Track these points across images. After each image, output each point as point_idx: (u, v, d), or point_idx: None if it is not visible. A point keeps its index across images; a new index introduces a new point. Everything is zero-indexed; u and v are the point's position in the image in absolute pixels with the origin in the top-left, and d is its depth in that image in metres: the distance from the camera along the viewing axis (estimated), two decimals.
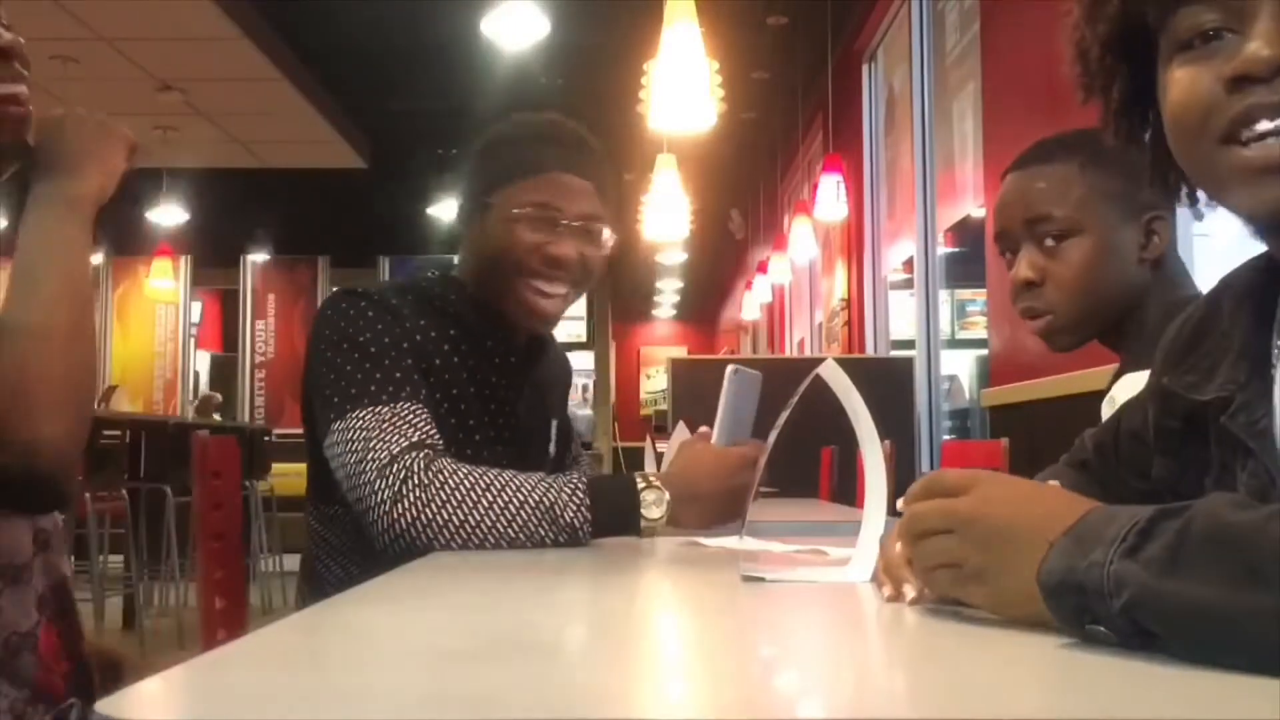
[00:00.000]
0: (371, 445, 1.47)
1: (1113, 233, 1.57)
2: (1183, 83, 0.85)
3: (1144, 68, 0.89)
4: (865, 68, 7.16)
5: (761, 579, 1.13)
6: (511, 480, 1.48)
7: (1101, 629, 0.70)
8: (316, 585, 1.67)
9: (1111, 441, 1.16)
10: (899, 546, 0.95)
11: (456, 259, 1.80)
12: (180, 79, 8.05)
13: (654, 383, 16.03)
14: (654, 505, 1.51)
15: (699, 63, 3.60)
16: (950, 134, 5.27)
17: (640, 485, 1.52)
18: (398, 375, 1.54)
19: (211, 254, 12.22)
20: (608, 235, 1.73)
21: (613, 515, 1.50)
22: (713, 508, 1.56)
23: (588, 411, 13.69)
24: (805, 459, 3.93)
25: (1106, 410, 1.42)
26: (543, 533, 1.47)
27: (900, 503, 0.90)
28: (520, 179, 1.68)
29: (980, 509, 0.81)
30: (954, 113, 5.19)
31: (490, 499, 1.45)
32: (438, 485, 1.45)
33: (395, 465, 1.46)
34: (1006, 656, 0.77)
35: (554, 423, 1.86)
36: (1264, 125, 0.80)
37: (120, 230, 10.63)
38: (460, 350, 1.65)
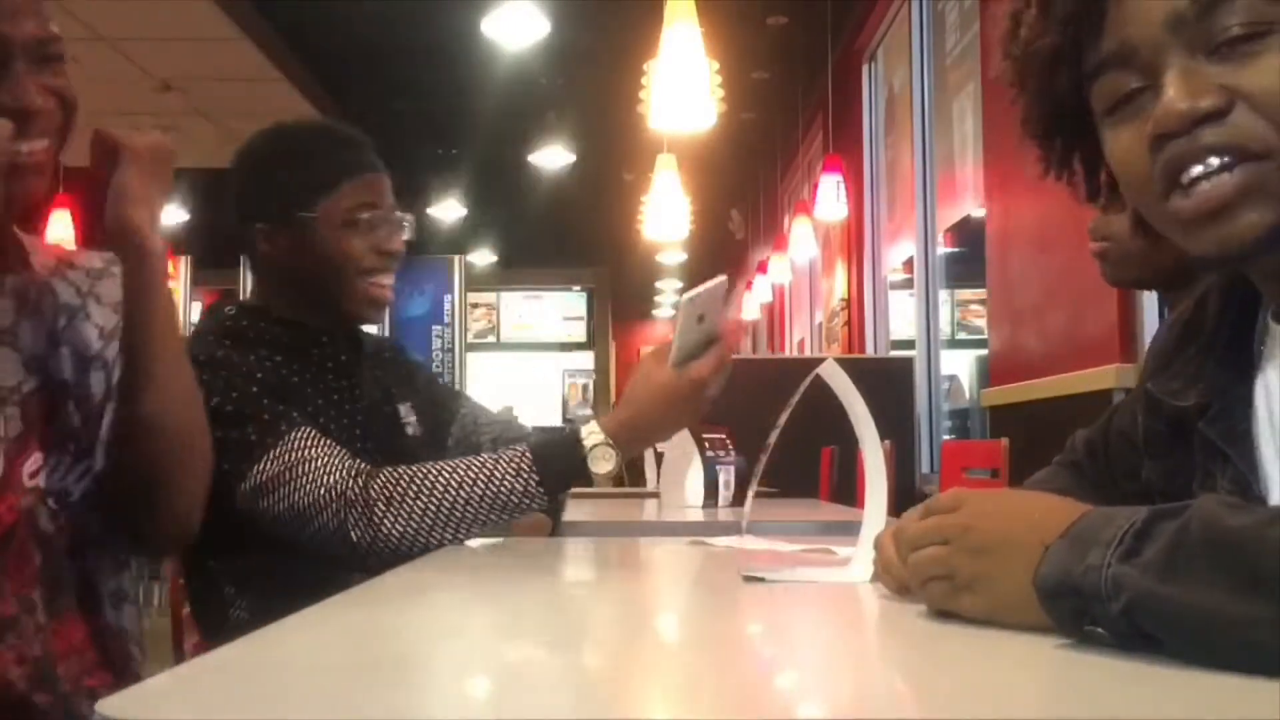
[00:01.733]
0: (301, 483, 1.48)
1: None
2: (1116, 147, 0.87)
3: (1091, 132, 0.92)
4: (865, 68, 7.16)
5: (761, 579, 1.13)
6: (455, 473, 1.48)
7: (1100, 630, 0.70)
8: (225, 632, 1.60)
9: (1101, 441, 1.16)
10: (892, 553, 0.95)
11: (249, 288, 1.79)
12: (180, 79, 8.05)
13: None
14: (602, 460, 1.49)
15: (699, 63, 3.60)
16: (950, 134, 5.27)
17: (587, 441, 1.49)
18: (279, 408, 1.54)
19: (211, 254, 12.21)
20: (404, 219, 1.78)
21: (560, 479, 1.50)
22: (663, 437, 1.60)
23: (587, 411, 13.69)
24: (805, 459, 3.93)
25: None
26: (496, 516, 1.47)
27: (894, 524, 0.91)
28: (343, 183, 1.69)
29: (971, 520, 0.82)
30: (954, 113, 5.20)
31: (438, 500, 1.46)
32: (383, 503, 1.46)
33: (334, 496, 1.46)
34: (1006, 657, 0.77)
35: (406, 405, 1.83)
36: (1194, 170, 0.82)
37: None
38: (295, 371, 1.65)
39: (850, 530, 1.48)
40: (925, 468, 5.51)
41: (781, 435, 1.19)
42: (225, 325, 1.69)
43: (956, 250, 6.90)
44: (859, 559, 1.15)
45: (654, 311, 17.46)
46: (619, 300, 15.55)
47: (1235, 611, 0.63)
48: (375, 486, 1.46)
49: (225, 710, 0.63)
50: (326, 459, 1.49)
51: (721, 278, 1.51)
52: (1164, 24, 0.82)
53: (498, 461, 1.49)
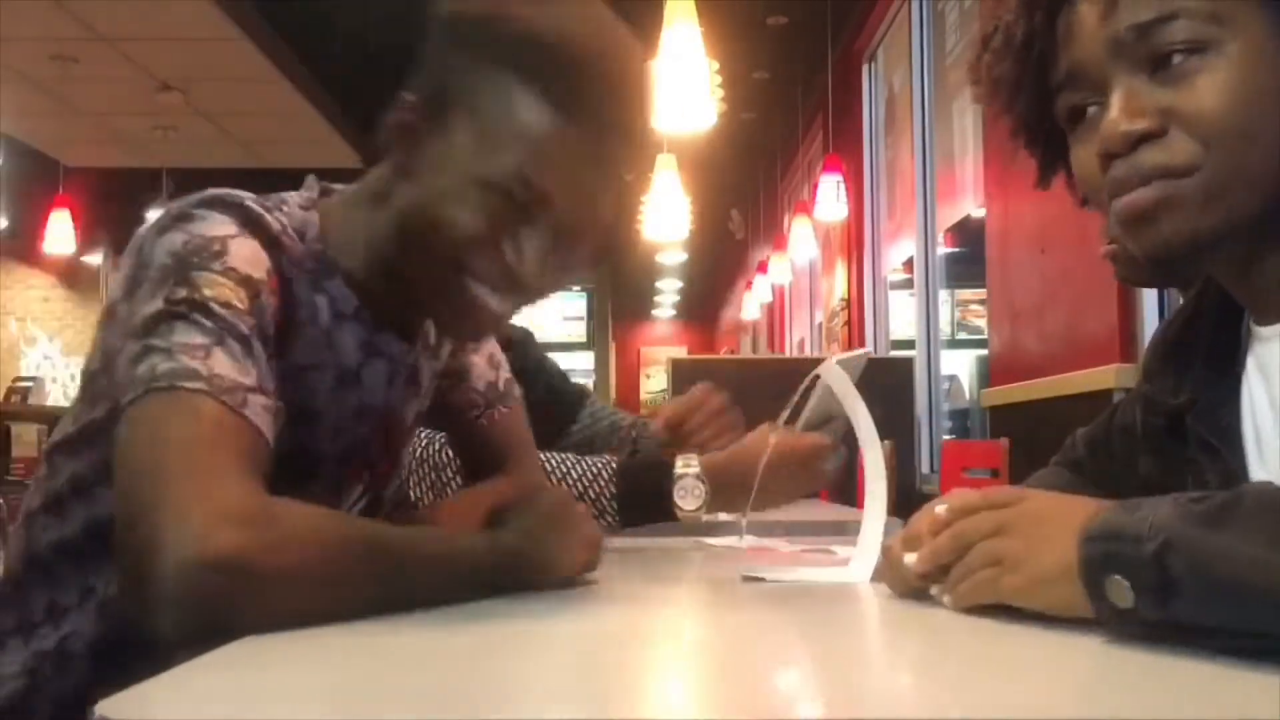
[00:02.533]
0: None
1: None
2: (1076, 162, 0.93)
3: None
4: (865, 68, 7.16)
5: (761, 579, 1.13)
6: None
7: (1124, 582, 0.70)
8: None
9: (1104, 437, 1.16)
10: (907, 556, 0.95)
11: None
12: (180, 79, 8.05)
13: (654, 383, 16.03)
14: (690, 496, 1.40)
15: (699, 63, 3.61)
16: (950, 134, 5.27)
17: (677, 468, 1.42)
18: None
19: None
20: None
21: (633, 501, 1.42)
22: (768, 499, 1.45)
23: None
24: None
25: None
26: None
27: (940, 508, 0.90)
28: None
29: (1028, 505, 0.84)
30: (954, 112, 5.20)
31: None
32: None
33: None
34: (1007, 656, 0.77)
35: None
36: (1128, 197, 0.87)
37: (120, 230, 10.62)
38: None
39: (850, 530, 1.48)
40: (925, 468, 5.51)
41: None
42: None
43: (956, 250, 6.91)
44: (859, 559, 1.15)
45: (654, 311, 17.46)
46: (619, 300, 15.55)
47: (1271, 560, 0.65)
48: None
49: (225, 710, 0.63)
50: None
51: (865, 350, 1.49)
52: (1106, 47, 0.87)
53: (581, 463, 1.46)
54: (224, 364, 0.91)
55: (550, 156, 1.00)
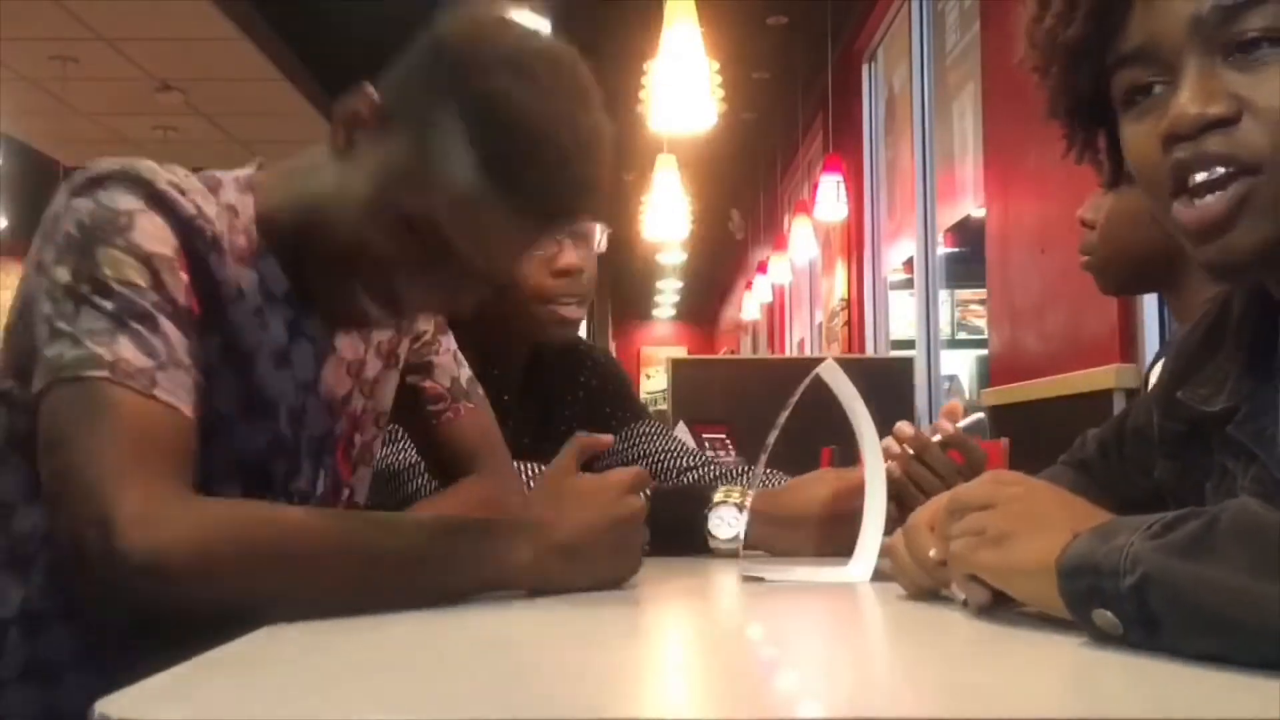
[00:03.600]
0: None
1: None
2: (1132, 143, 0.89)
3: (1113, 120, 0.93)
4: (865, 68, 7.16)
5: (761, 579, 1.13)
6: None
7: (1108, 614, 0.70)
8: None
9: (1115, 438, 1.16)
10: (904, 550, 0.95)
11: None
12: (180, 79, 8.05)
13: (654, 383, 16.02)
14: (724, 524, 1.32)
15: (699, 63, 3.61)
16: (950, 134, 5.27)
17: (715, 496, 1.34)
18: None
19: None
20: None
21: (660, 523, 1.25)
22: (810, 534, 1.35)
23: None
24: (805, 459, 3.92)
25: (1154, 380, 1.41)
26: None
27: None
28: None
29: (1026, 493, 0.84)
30: (954, 113, 5.19)
31: None
32: None
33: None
34: (1007, 656, 0.77)
35: None
36: (1198, 176, 0.83)
37: None
38: None
39: None
40: None
41: (781, 435, 1.19)
42: None
43: (956, 250, 6.90)
44: (859, 559, 1.15)
45: (654, 311, 17.46)
46: (619, 300, 15.55)
47: (1251, 590, 0.64)
48: None
49: (225, 710, 0.63)
50: None
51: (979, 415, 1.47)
52: (1186, 24, 0.83)
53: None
54: (127, 348, 0.94)
55: (468, 217, 1.01)
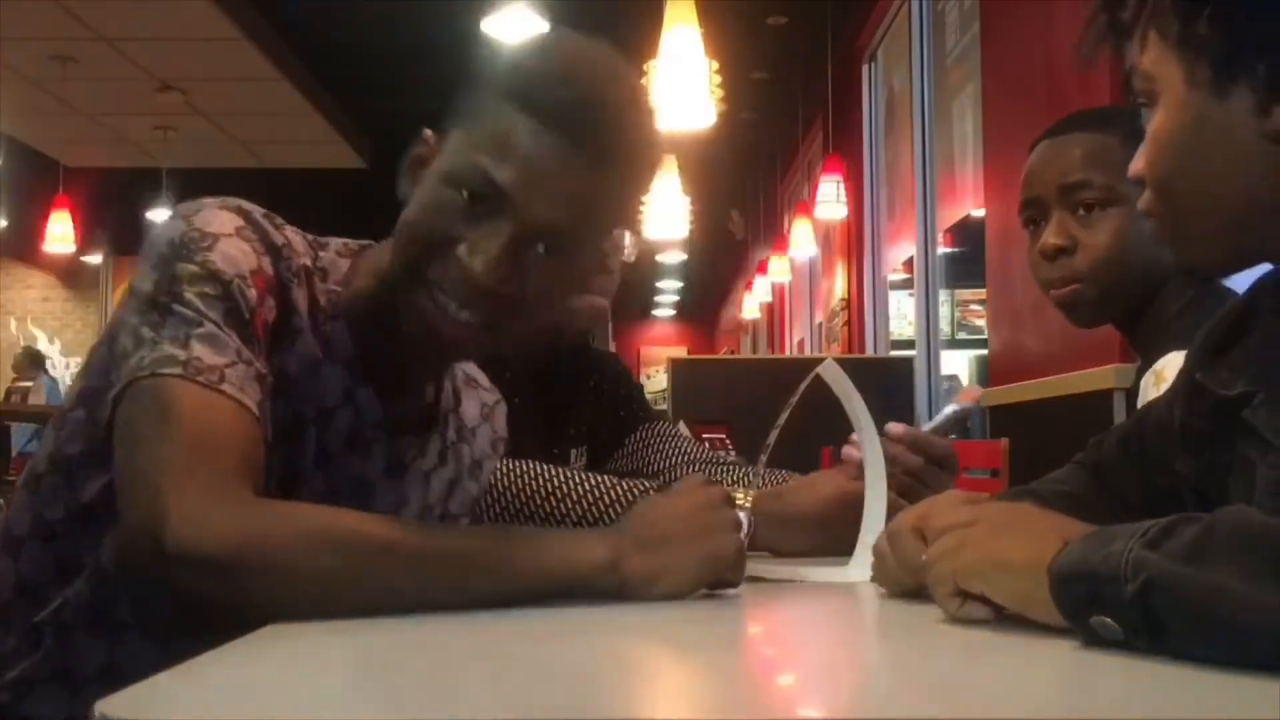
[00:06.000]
0: None
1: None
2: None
3: None
4: (865, 68, 7.16)
5: (761, 579, 1.13)
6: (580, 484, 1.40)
7: (1108, 621, 0.70)
8: None
9: (1135, 433, 1.16)
10: (888, 553, 0.96)
11: None
12: (180, 79, 8.06)
13: (654, 383, 16.02)
14: None
15: (699, 63, 3.61)
16: (950, 134, 5.27)
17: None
18: None
19: None
20: None
21: None
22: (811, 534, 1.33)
23: None
24: (805, 459, 3.92)
25: (1150, 388, 1.40)
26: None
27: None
28: None
29: (1008, 507, 0.87)
30: (954, 113, 5.19)
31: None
32: None
33: None
34: (1007, 656, 0.77)
35: None
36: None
37: (120, 230, 10.63)
38: None
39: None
40: None
41: (781, 435, 1.19)
42: None
43: (956, 250, 6.90)
44: (858, 559, 1.15)
45: (654, 311, 17.45)
46: (619, 300, 15.53)
47: (1257, 597, 0.64)
48: None
49: (225, 710, 0.63)
50: None
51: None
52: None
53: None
54: (199, 348, 0.96)
55: (510, 150, 0.99)
